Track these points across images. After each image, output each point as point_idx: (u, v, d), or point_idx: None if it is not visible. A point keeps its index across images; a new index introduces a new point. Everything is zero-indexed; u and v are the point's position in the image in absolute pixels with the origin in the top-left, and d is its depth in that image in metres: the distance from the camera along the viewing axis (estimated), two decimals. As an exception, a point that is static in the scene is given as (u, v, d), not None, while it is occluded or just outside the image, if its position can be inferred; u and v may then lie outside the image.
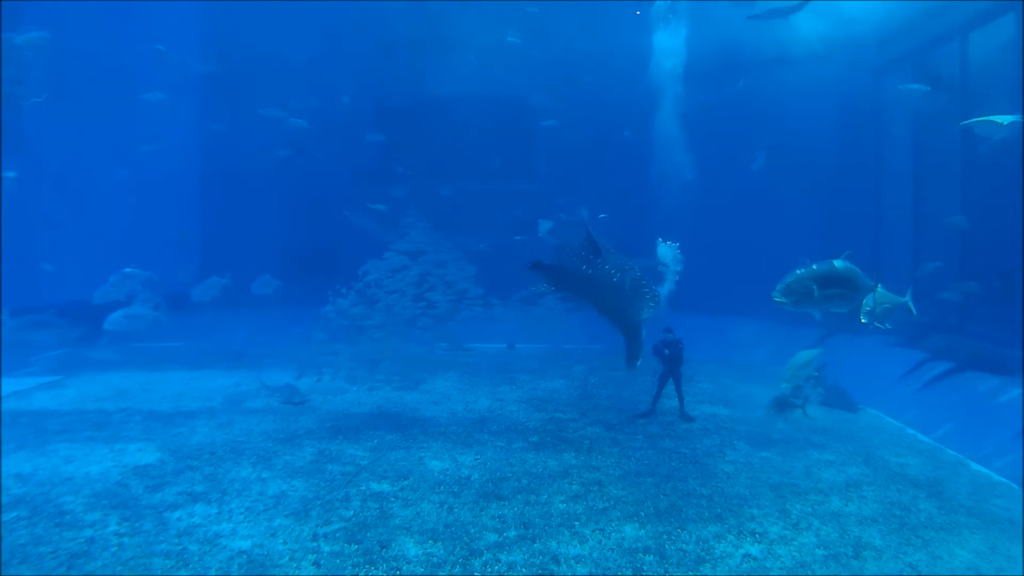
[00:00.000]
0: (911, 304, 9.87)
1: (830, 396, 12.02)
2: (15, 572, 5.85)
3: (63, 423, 10.39)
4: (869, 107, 16.86)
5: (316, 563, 6.13)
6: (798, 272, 7.28)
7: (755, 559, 6.36)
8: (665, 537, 6.77)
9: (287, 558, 6.21)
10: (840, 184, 17.38)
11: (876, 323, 8.98)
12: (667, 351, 10.92)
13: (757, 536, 6.84)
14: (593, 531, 6.88)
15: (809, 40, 16.43)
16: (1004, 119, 10.00)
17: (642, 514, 7.30)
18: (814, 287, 7.19)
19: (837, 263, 7.43)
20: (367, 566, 6.09)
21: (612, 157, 20.46)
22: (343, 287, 14.63)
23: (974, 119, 10.53)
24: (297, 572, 5.96)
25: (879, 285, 8.11)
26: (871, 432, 10.70)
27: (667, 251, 12.42)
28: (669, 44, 18.52)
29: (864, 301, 8.99)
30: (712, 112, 18.74)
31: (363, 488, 7.91)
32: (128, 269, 12.69)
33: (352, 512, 7.24)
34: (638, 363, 9.22)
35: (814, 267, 7.35)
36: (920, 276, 14.07)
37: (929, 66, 14.10)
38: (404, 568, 6.07)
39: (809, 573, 6.13)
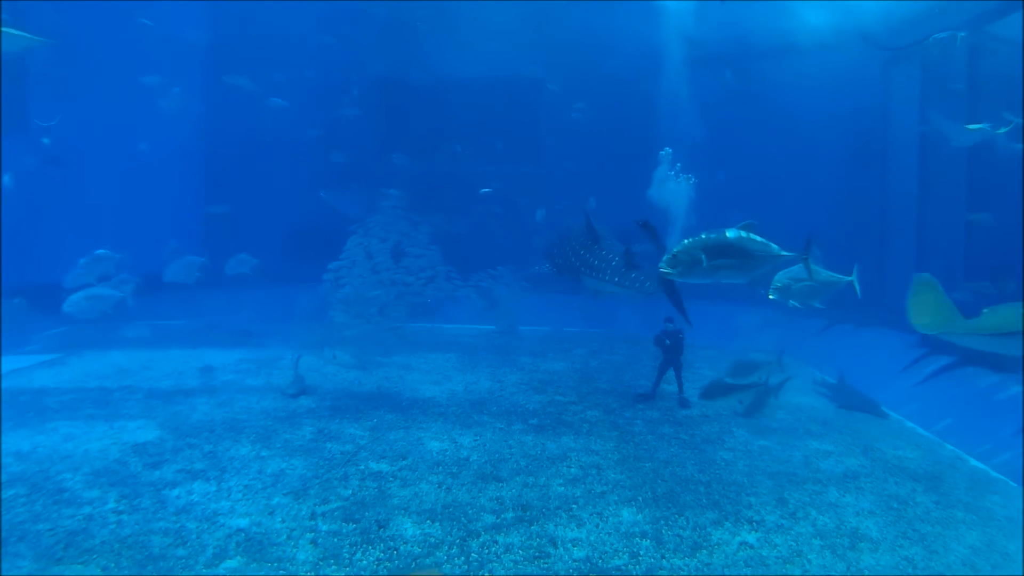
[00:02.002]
0: (856, 285, 9.47)
1: (853, 400, 11.60)
2: (13, 549, 5.87)
3: (63, 401, 10.39)
4: (876, 99, 16.75)
5: (314, 542, 6.15)
6: (686, 242, 6.94)
7: (751, 547, 6.37)
8: (662, 522, 6.79)
9: (285, 536, 6.23)
10: (845, 174, 17.31)
11: (792, 301, 8.71)
12: (668, 341, 10.96)
13: (754, 524, 6.85)
14: (591, 515, 6.90)
15: (817, 30, 16.34)
16: (973, 126, 9.95)
17: (640, 499, 7.32)
18: (702, 257, 6.83)
19: (730, 232, 7.03)
20: (365, 545, 6.11)
21: (615, 142, 20.35)
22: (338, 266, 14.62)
23: (941, 122, 10.48)
24: (294, 551, 5.98)
25: (809, 259, 7.69)
26: (870, 424, 10.69)
27: (674, 189, 12.12)
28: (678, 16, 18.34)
29: (776, 277, 8.73)
30: (717, 99, 18.67)
31: (362, 467, 7.93)
32: (100, 251, 12.36)
33: (350, 491, 7.26)
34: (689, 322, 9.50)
35: (703, 236, 6.97)
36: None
37: (937, 59, 13.99)
38: (401, 548, 6.08)
39: (805, 562, 6.14)
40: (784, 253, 7.22)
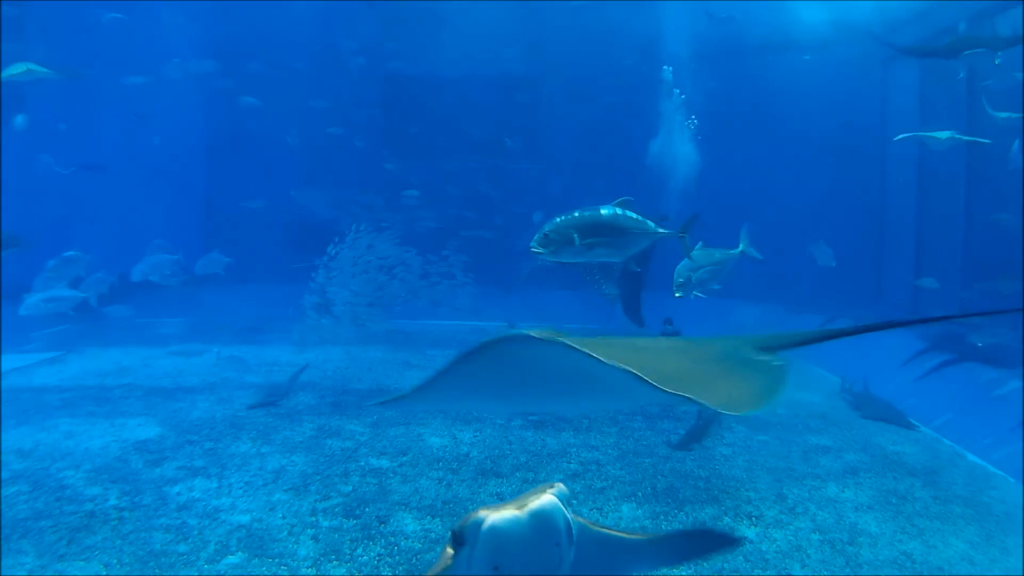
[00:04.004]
0: (753, 251, 9.12)
1: (877, 410, 10.91)
2: (16, 546, 5.89)
3: (64, 399, 10.40)
4: (875, 97, 16.76)
5: (315, 538, 6.17)
6: (557, 220, 6.72)
7: (751, 542, 6.39)
8: (662, 517, 6.81)
9: (286, 532, 6.25)
10: (844, 172, 17.32)
11: (696, 292, 8.60)
12: None
13: (753, 519, 6.87)
14: (591, 510, 6.92)
15: (815, 27, 16.35)
16: (942, 135, 9.99)
17: (640, 494, 7.34)
18: (575, 236, 6.63)
19: (604, 209, 6.84)
20: (365, 541, 6.13)
21: (611, 137, 20.33)
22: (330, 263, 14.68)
23: (915, 134, 10.56)
24: (296, 546, 6.00)
25: (700, 243, 7.43)
26: (870, 420, 10.71)
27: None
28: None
29: (676, 272, 8.53)
30: (714, 96, 18.65)
31: (362, 464, 7.95)
32: (69, 252, 11.89)
33: (351, 487, 7.28)
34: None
35: (576, 214, 6.77)
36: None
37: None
38: (402, 543, 6.11)
39: (804, 557, 6.16)
40: (661, 231, 7.14)
